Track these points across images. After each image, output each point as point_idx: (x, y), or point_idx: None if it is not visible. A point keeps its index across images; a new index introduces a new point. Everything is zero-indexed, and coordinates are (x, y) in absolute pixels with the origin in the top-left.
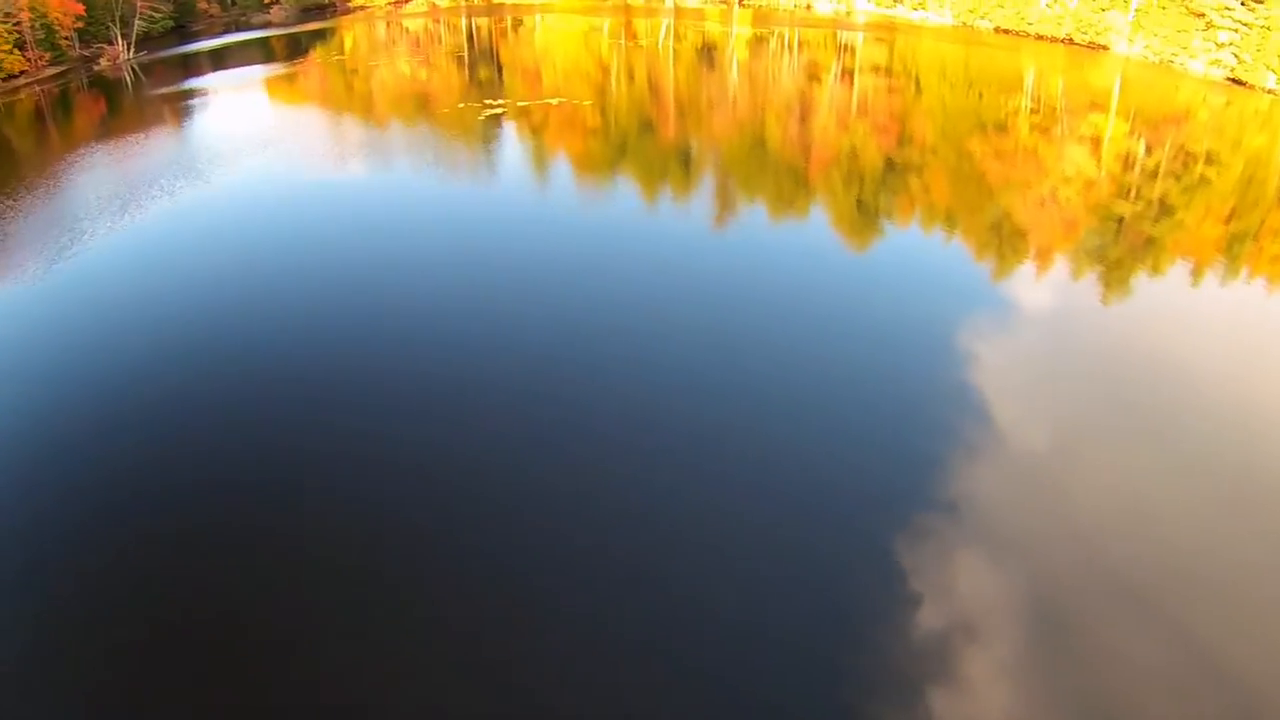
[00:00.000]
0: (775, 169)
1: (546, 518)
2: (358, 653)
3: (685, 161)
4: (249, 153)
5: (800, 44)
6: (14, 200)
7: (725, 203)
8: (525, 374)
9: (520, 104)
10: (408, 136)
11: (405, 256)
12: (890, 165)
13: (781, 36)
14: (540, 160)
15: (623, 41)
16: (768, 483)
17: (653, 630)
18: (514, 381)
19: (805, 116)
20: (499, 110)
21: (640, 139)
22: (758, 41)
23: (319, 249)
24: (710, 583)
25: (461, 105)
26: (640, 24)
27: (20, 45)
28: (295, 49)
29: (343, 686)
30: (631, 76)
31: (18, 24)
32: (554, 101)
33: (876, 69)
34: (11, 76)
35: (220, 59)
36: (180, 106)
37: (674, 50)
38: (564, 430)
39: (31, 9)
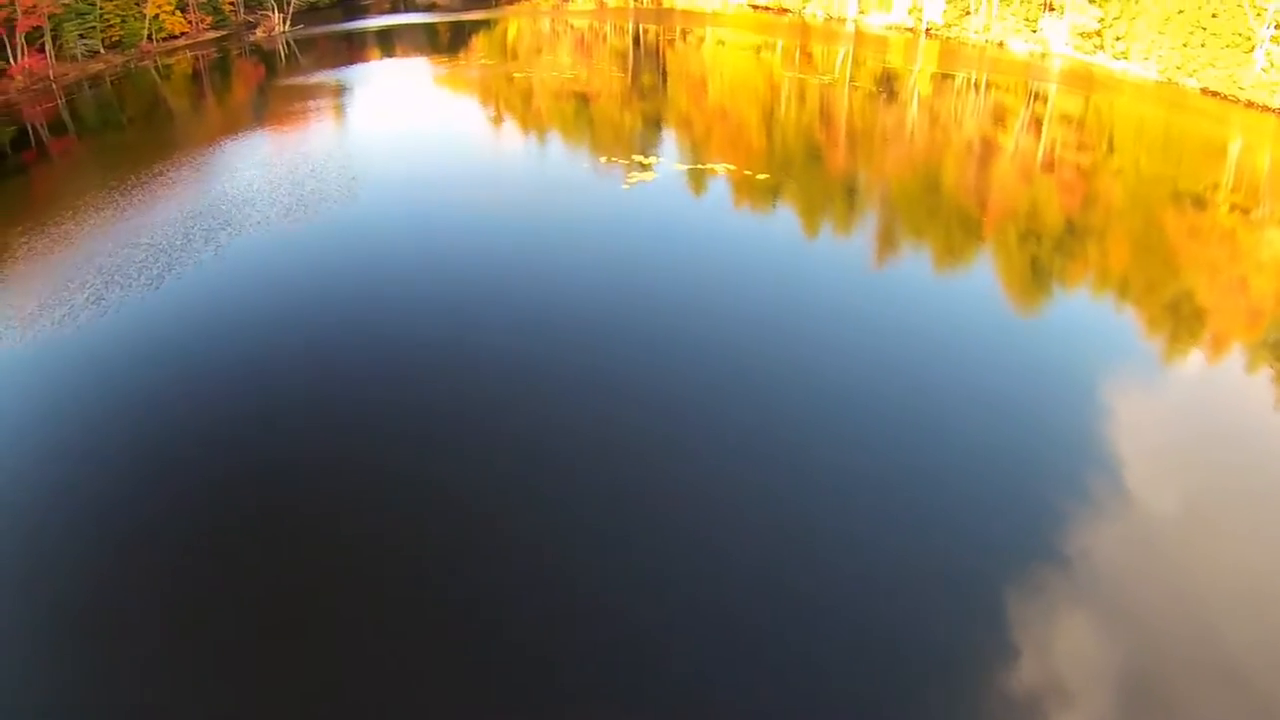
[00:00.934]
0: (946, 214)
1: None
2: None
3: (850, 195)
4: (392, 154)
5: (987, 84)
6: (173, 172)
7: (888, 242)
8: (685, 418)
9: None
10: (564, 144)
11: (548, 270)
12: (1070, 226)
13: (968, 74)
14: (697, 180)
15: (796, 63)
16: (893, 518)
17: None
18: (682, 428)
19: (985, 163)
20: (660, 131)
21: (806, 166)
22: (942, 77)
23: (459, 260)
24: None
25: (622, 118)
26: (817, 48)
27: (183, 7)
28: (456, 39)
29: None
30: (803, 100)
31: None
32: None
33: (1067, 121)
34: (171, 36)
35: (377, 41)
36: (332, 90)
37: (850, 77)
38: (749, 499)
39: None
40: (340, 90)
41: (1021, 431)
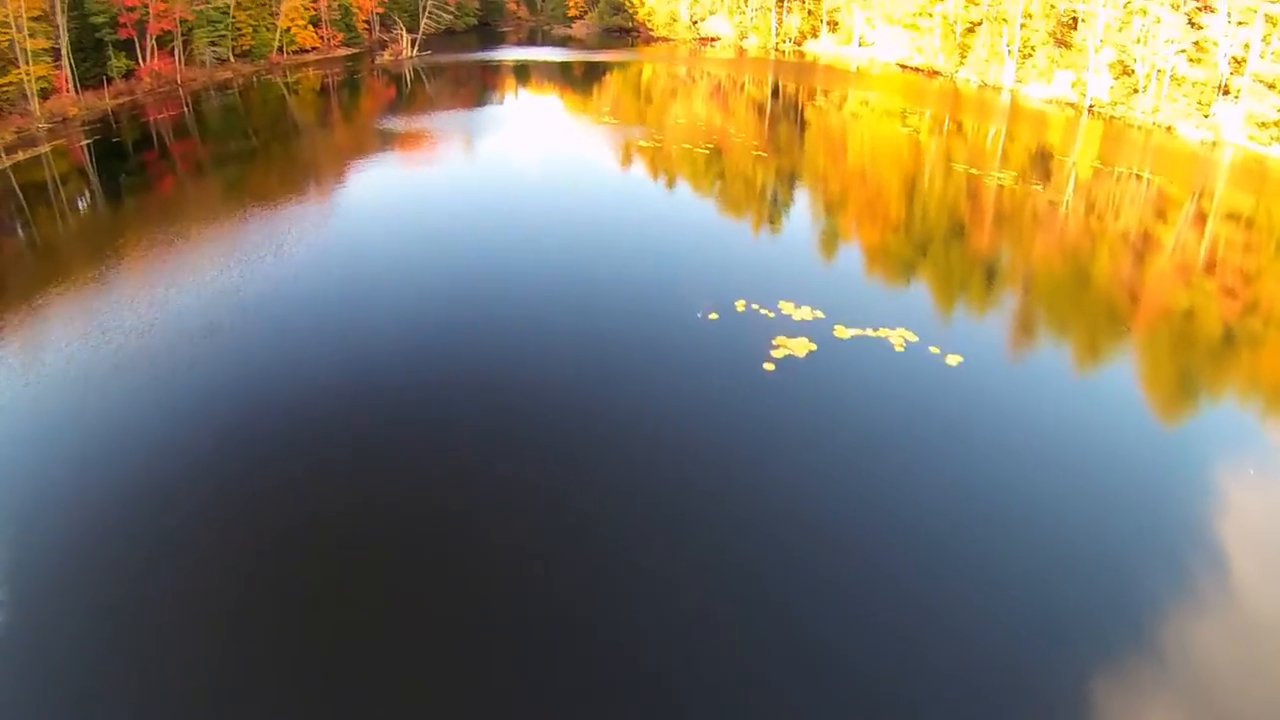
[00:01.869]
0: (1092, 307)
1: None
2: None
3: (990, 276)
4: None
5: (1151, 172)
6: (303, 192)
7: (1026, 329)
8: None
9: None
10: (693, 195)
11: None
12: (1228, 335)
13: (1132, 160)
14: (829, 245)
15: (943, 134)
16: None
17: None
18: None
19: (1140, 257)
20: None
21: (946, 242)
22: (1102, 163)
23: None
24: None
25: (755, 173)
26: (968, 119)
27: (315, 22)
28: (589, 78)
29: None
30: (949, 173)
31: (314, 1)
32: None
33: (1235, 219)
34: (302, 50)
35: (506, 76)
36: (454, 124)
37: (1003, 153)
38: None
39: None
40: (461, 124)
41: (1140, 530)
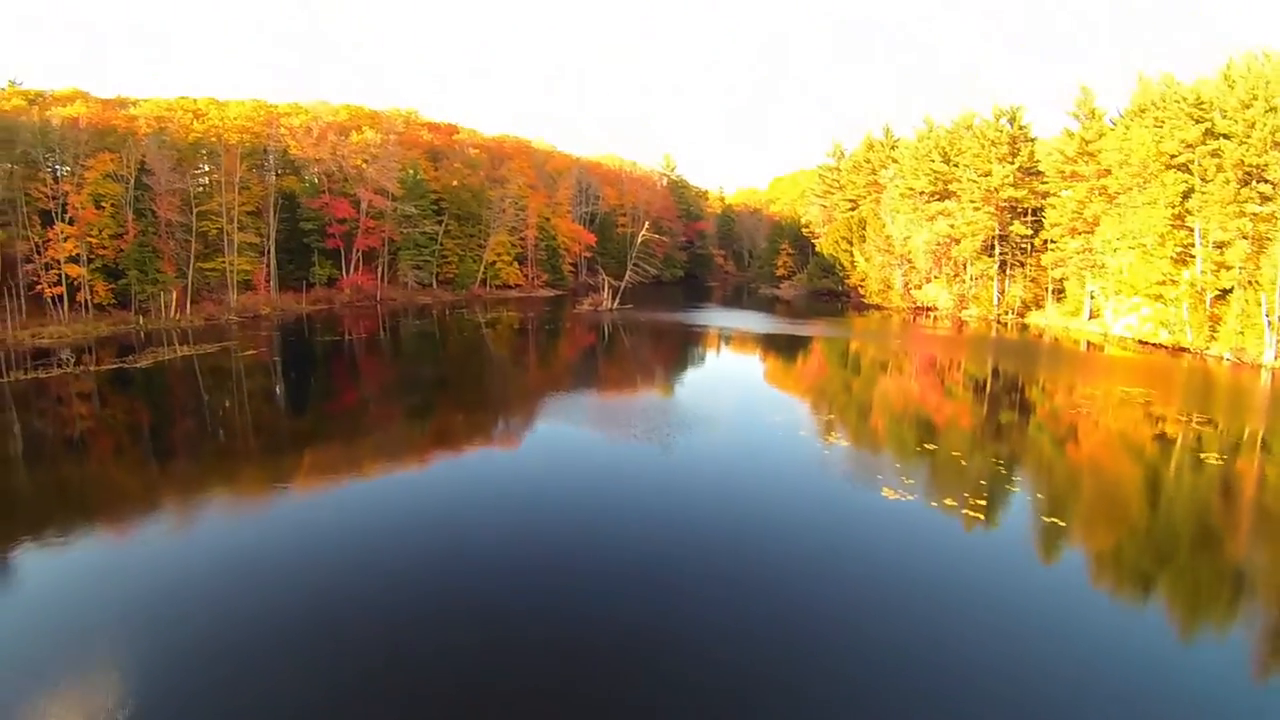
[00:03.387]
0: None
1: None
2: None
3: (1237, 587)
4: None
5: None
6: (485, 433)
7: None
8: None
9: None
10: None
11: None
12: None
13: None
14: (1049, 547)
15: (1191, 423)
16: None
17: None
18: None
19: None
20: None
21: (1192, 555)
22: None
23: None
24: None
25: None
26: (1219, 405)
27: (521, 259)
28: (791, 349)
29: None
30: (1199, 467)
31: (522, 238)
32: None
33: None
34: (505, 286)
35: (702, 342)
36: (643, 401)
37: (1262, 444)
38: None
39: (540, 229)
40: (652, 403)
41: None
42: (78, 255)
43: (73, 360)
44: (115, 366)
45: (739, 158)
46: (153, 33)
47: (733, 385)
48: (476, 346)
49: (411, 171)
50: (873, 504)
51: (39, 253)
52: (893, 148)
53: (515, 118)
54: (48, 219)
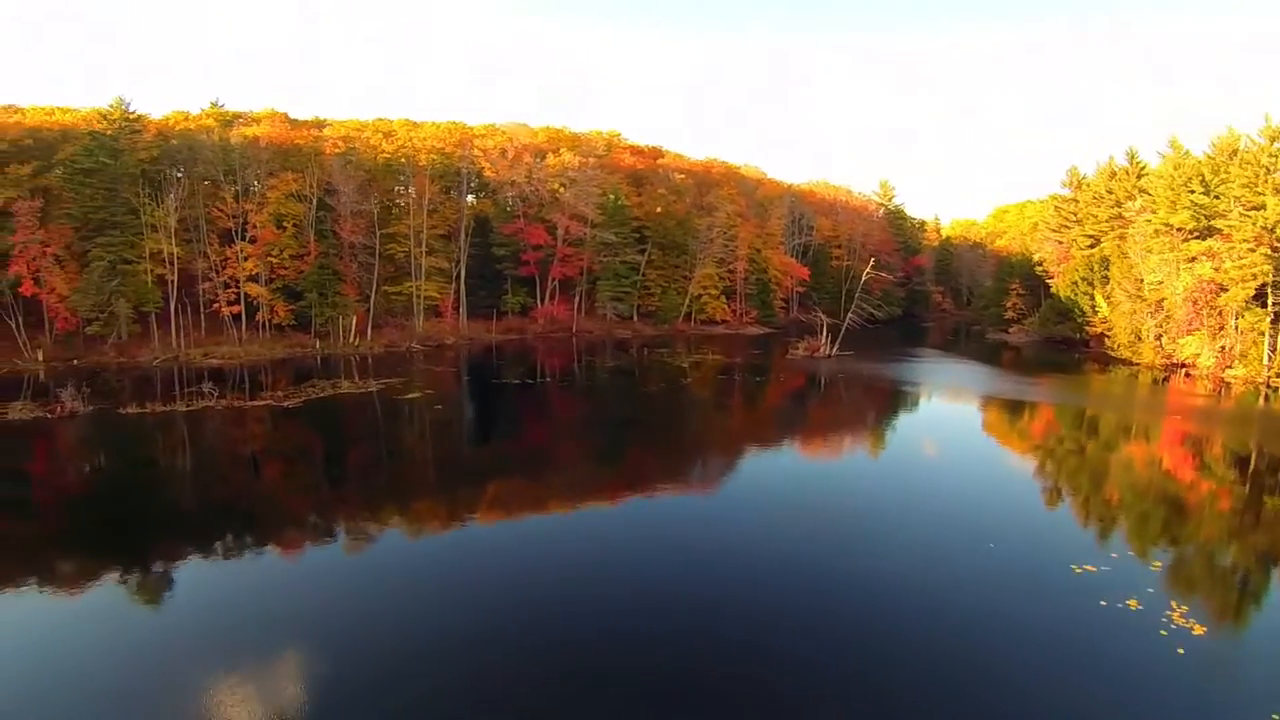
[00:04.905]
0: None
1: None
2: None
3: None
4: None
5: None
6: (680, 481)
7: None
8: None
9: None
10: None
11: None
12: None
13: None
14: None
15: None
16: None
17: None
18: None
19: None
20: None
21: None
22: None
23: None
24: None
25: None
26: None
27: (729, 293)
28: (1017, 413)
29: None
30: None
31: (730, 271)
32: None
33: None
34: (710, 321)
35: (935, 409)
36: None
37: None
38: None
39: (750, 261)
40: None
41: None
42: (257, 275)
43: (215, 393)
44: (262, 404)
45: (953, 185)
46: (355, 58)
47: (975, 476)
48: (675, 399)
49: (612, 197)
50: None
51: (217, 271)
52: (1139, 175)
53: (721, 140)
54: (228, 238)
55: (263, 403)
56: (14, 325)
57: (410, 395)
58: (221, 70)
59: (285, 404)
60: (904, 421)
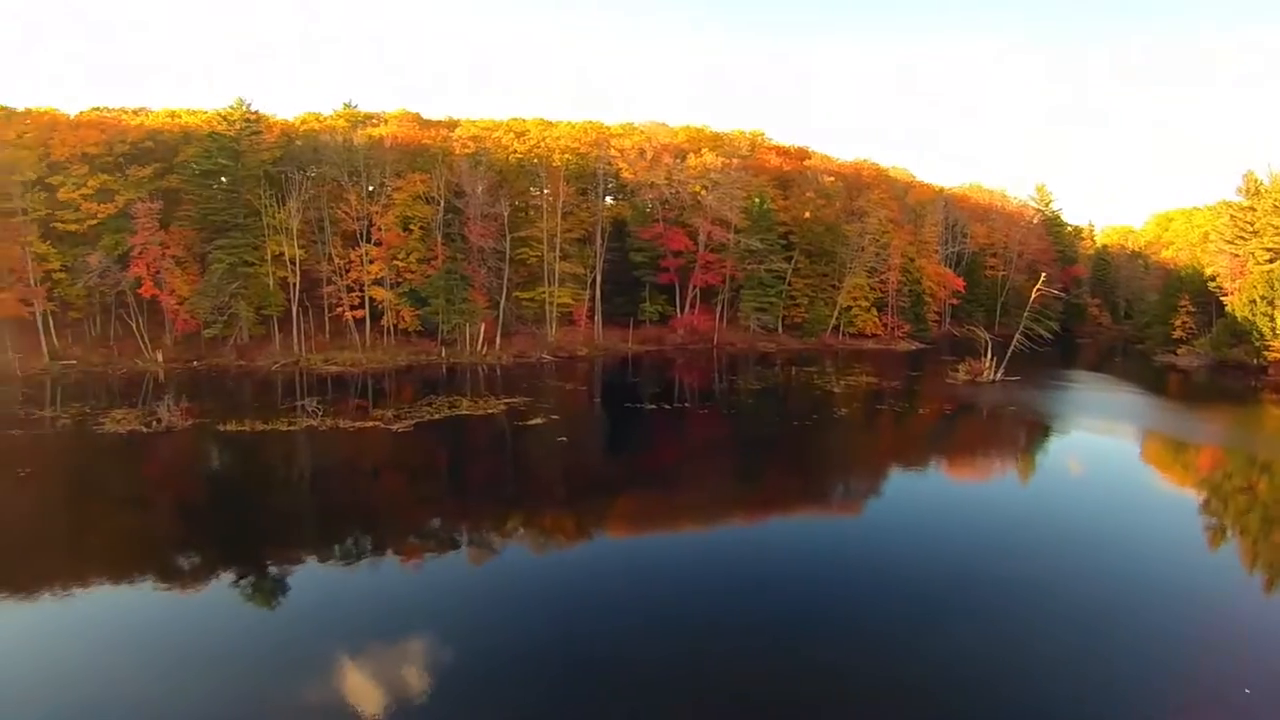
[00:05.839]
0: None
1: None
2: None
3: None
4: None
5: None
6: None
7: None
8: None
9: None
10: None
11: None
12: None
13: None
14: None
15: None
16: None
17: None
18: None
19: None
20: None
21: None
22: None
23: None
24: None
25: None
26: None
27: (880, 306)
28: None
29: None
30: None
31: (882, 281)
32: None
33: None
34: (860, 335)
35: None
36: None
37: None
38: None
39: (903, 271)
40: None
41: None
42: (382, 278)
43: (319, 411)
44: (370, 425)
45: (1108, 190)
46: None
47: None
48: (833, 441)
49: (758, 200)
50: None
51: (341, 275)
52: None
53: (869, 140)
54: (352, 241)
55: (370, 424)
56: (134, 326)
57: (533, 420)
58: (353, 73)
59: (394, 427)
60: (1118, 502)
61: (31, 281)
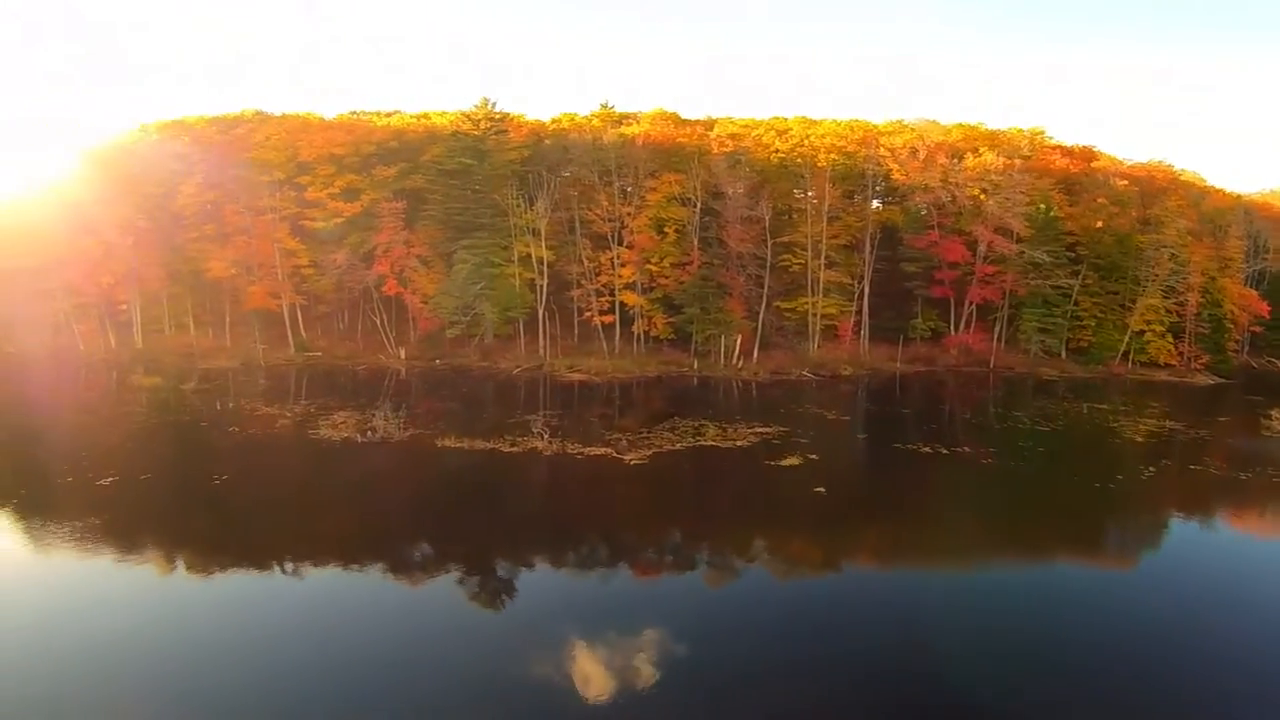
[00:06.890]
0: None
1: None
2: None
3: None
4: None
5: None
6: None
7: None
8: None
9: None
10: None
11: None
12: None
13: None
14: None
15: None
16: None
17: None
18: None
19: None
20: None
21: None
22: None
23: None
24: None
25: None
26: None
27: (1176, 332)
28: None
29: None
30: None
31: (1180, 304)
32: None
33: None
34: (1152, 364)
35: None
36: None
37: None
38: None
39: (1204, 292)
40: None
41: None
42: (634, 283)
43: (545, 434)
44: (599, 454)
45: None
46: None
47: None
48: (1131, 503)
49: (1043, 207)
50: None
51: (590, 278)
52: None
53: (1160, 139)
54: (602, 243)
55: (601, 451)
56: (379, 322)
57: (788, 460)
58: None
59: (627, 458)
60: None
61: (279, 276)
